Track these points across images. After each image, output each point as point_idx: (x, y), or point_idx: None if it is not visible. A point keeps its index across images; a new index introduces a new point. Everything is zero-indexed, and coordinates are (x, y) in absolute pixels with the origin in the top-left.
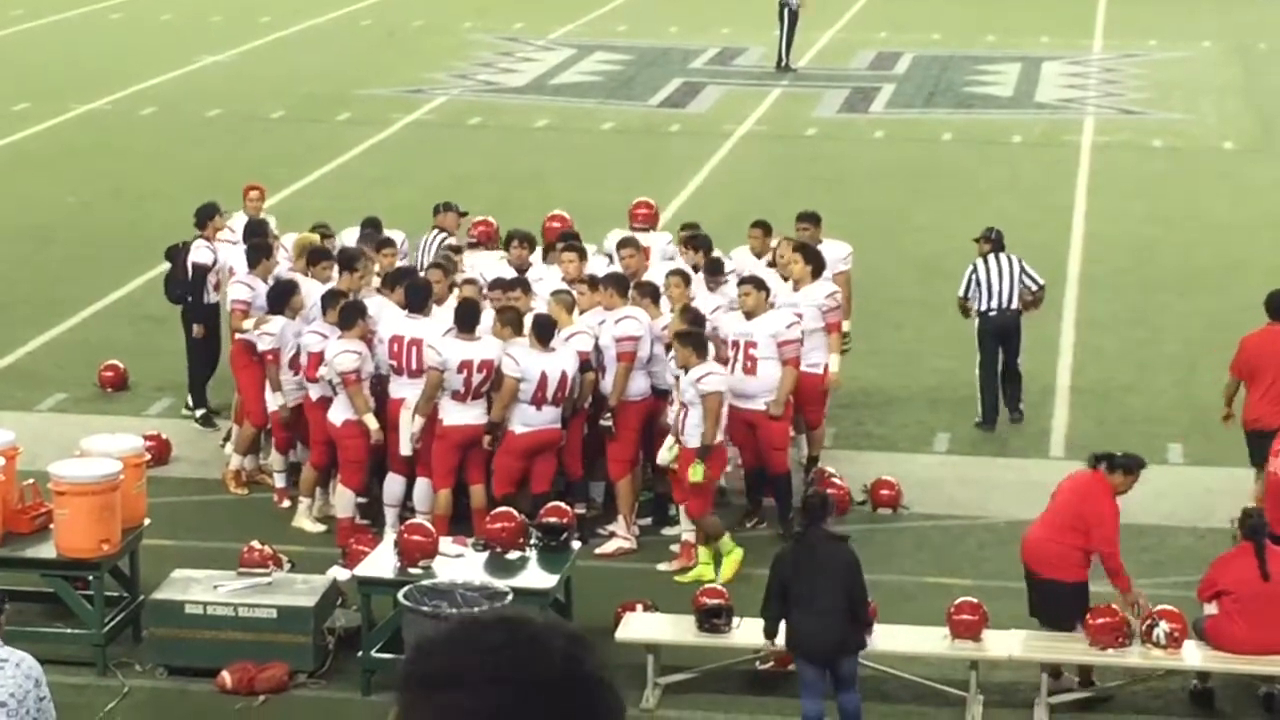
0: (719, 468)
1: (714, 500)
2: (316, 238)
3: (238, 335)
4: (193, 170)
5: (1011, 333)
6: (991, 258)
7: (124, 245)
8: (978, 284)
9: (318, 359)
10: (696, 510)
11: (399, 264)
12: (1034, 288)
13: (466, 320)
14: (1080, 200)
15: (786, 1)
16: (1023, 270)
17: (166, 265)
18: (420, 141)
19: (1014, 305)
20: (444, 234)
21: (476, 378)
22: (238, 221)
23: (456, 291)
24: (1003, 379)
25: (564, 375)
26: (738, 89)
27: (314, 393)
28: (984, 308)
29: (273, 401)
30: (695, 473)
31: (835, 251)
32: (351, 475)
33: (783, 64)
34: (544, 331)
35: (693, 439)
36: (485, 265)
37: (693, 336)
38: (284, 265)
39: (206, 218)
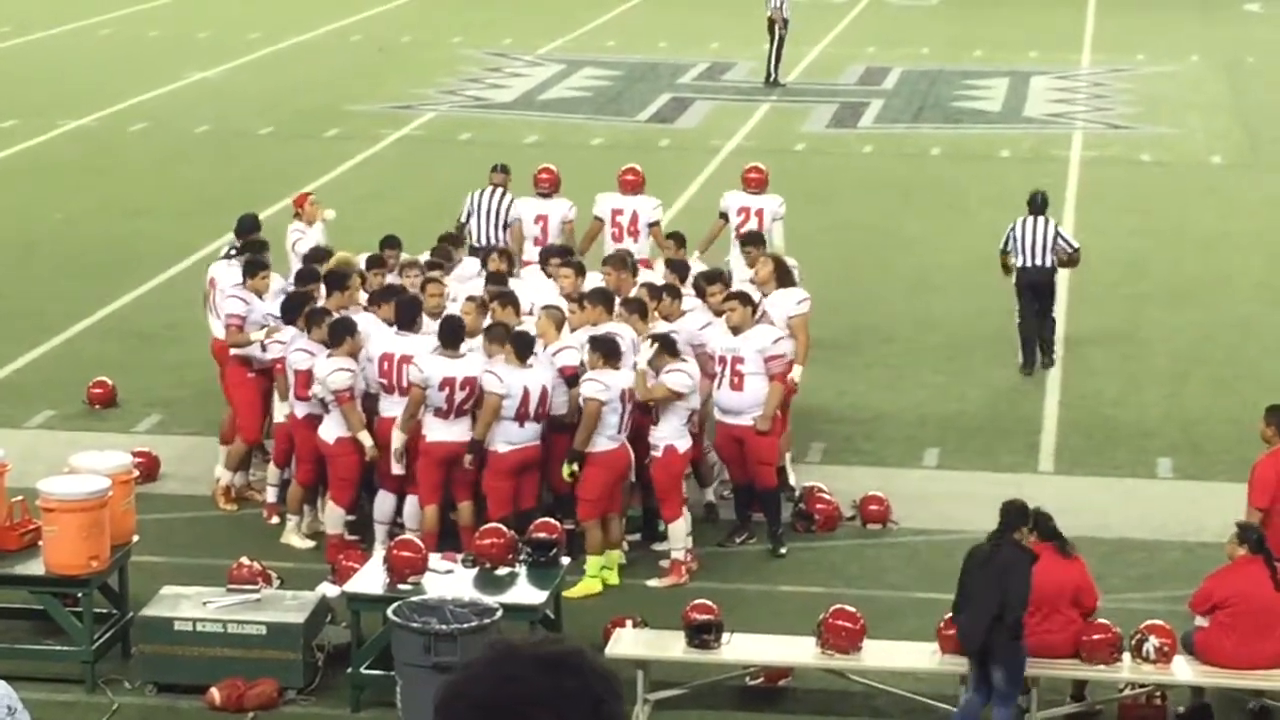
0: (675, 472)
1: (681, 505)
2: (352, 258)
3: (232, 351)
4: (181, 187)
5: (1044, 287)
6: (1030, 219)
7: (112, 262)
8: (1016, 241)
9: (305, 377)
10: (665, 512)
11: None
12: (1069, 250)
13: (451, 337)
14: (1069, 215)
15: (775, 16)
16: (1058, 234)
17: (152, 282)
18: (409, 157)
19: (1047, 263)
20: (502, 190)
21: (459, 395)
22: (297, 228)
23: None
24: (1039, 331)
25: (544, 390)
26: (726, 104)
27: (300, 410)
28: (1021, 264)
29: (279, 412)
30: (566, 471)
31: (792, 297)
32: (341, 492)
33: (771, 79)
34: (523, 347)
35: (664, 437)
36: (533, 287)
37: (665, 339)
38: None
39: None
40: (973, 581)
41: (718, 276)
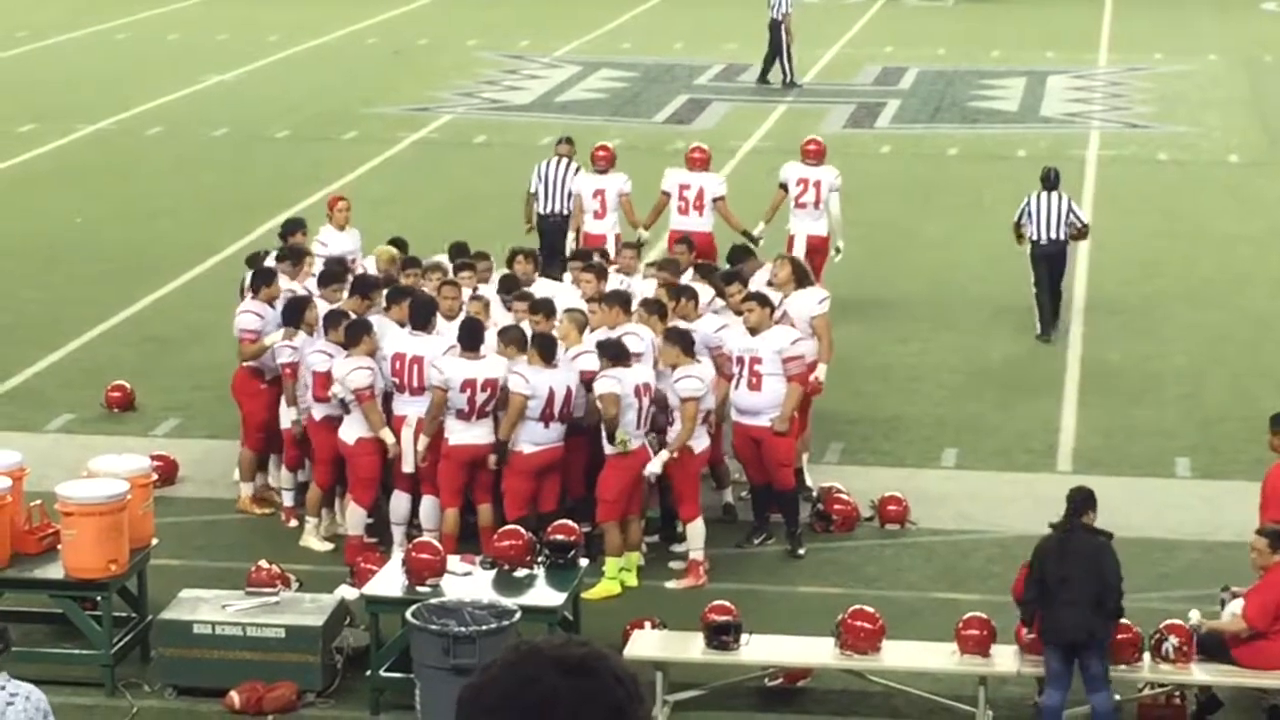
0: (692, 472)
1: (698, 506)
2: (395, 250)
3: (244, 363)
4: (199, 190)
5: (1056, 259)
6: (1044, 194)
7: (131, 265)
8: (1029, 215)
9: (323, 378)
10: (683, 512)
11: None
12: (1079, 224)
13: (470, 339)
14: (1087, 214)
15: (777, 18)
16: (1070, 209)
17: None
18: (426, 160)
19: (1060, 236)
20: (568, 160)
21: (480, 397)
22: (327, 234)
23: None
24: (1050, 299)
25: (569, 391)
26: (743, 105)
27: (318, 412)
28: (1034, 237)
29: (286, 418)
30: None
31: (813, 297)
32: (363, 493)
33: (788, 80)
34: (547, 348)
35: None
36: (550, 288)
37: (680, 335)
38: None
39: (297, 258)
40: (1058, 572)
41: (735, 276)
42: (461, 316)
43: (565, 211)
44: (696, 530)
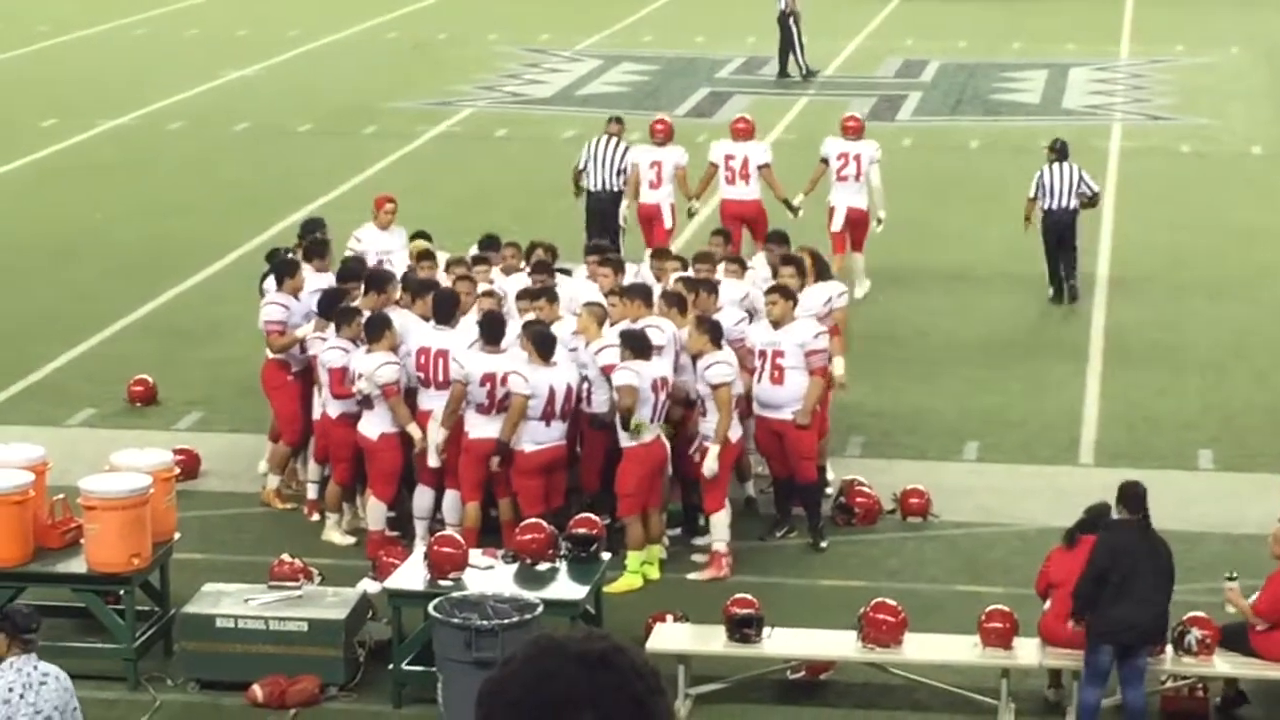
0: (725, 460)
1: (725, 497)
2: (426, 244)
3: (271, 355)
4: (220, 185)
5: (1066, 227)
6: (1056, 165)
7: (152, 260)
8: (1042, 186)
9: (339, 374)
10: (709, 504)
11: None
12: (1089, 193)
13: (492, 333)
14: (1108, 206)
15: (788, 9)
16: (1080, 178)
17: (192, 280)
18: (447, 154)
19: (1071, 205)
20: (617, 139)
21: (500, 391)
22: (366, 232)
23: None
24: (1064, 268)
25: (569, 388)
26: (765, 98)
27: (335, 410)
28: (1047, 206)
29: (319, 408)
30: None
31: (829, 290)
32: (384, 488)
33: (805, 71)
34: (545, 346)
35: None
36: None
37: (710, 324)
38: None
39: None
40: (1132, 568)
41: (793, 260)
42: (474, 311)
43: (614, 188)
44: (721, 521)
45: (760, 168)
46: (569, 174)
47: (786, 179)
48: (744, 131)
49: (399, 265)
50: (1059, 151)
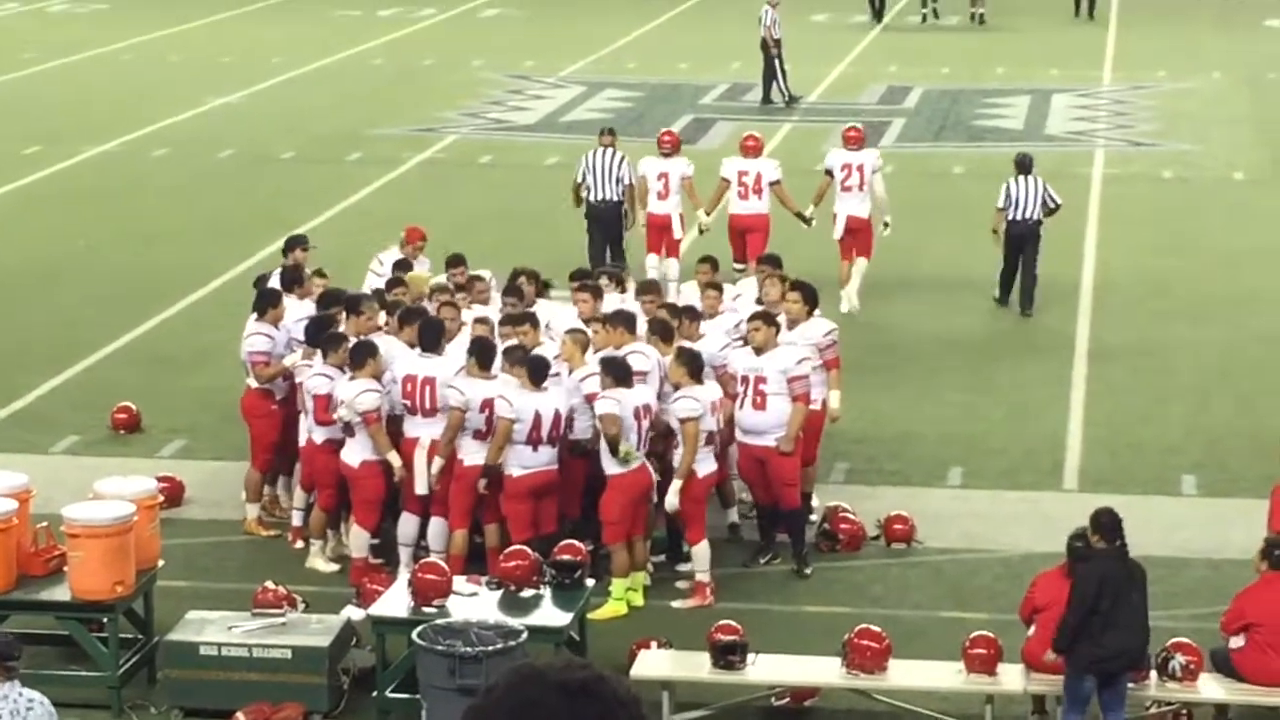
0: (698, 495)
1: (703, 528)
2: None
3: (254, 385)
4: (204, 212)
5: (1030, 238)
6: (1022, 178)
7: (136, 287)
8: (1010, 197)
9: (324, 401)
10: (688, 535)
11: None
12: (1052, 204)
13: (484, 359)
14: (1091, 232)
15: (767, 36)
16: (1045, 190)
17: (176, 308)
18: (431, 180)
19: (1035, 216)
20: (612, 149)
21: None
22: (391, 257)
23: (467, 328)
24: (1021, 280)
25: (557, 414)
26: (749, 125)
27: (319, 436)
28: (1013, 217)
29: (305, 435)
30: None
31: (820, 328)
32: (367, 515)
33: (787, 98)
34: (538, 371)
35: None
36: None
37: (690, 356)
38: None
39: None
40: (1113, 597)
41: (799, 286)
42: (460, 336)
43: (614, 197)
44: (702, 553)
45: (772, 184)
46: (553, 200)
47: (774, 211)
48: (754, 149)
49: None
50: (1023, 165)
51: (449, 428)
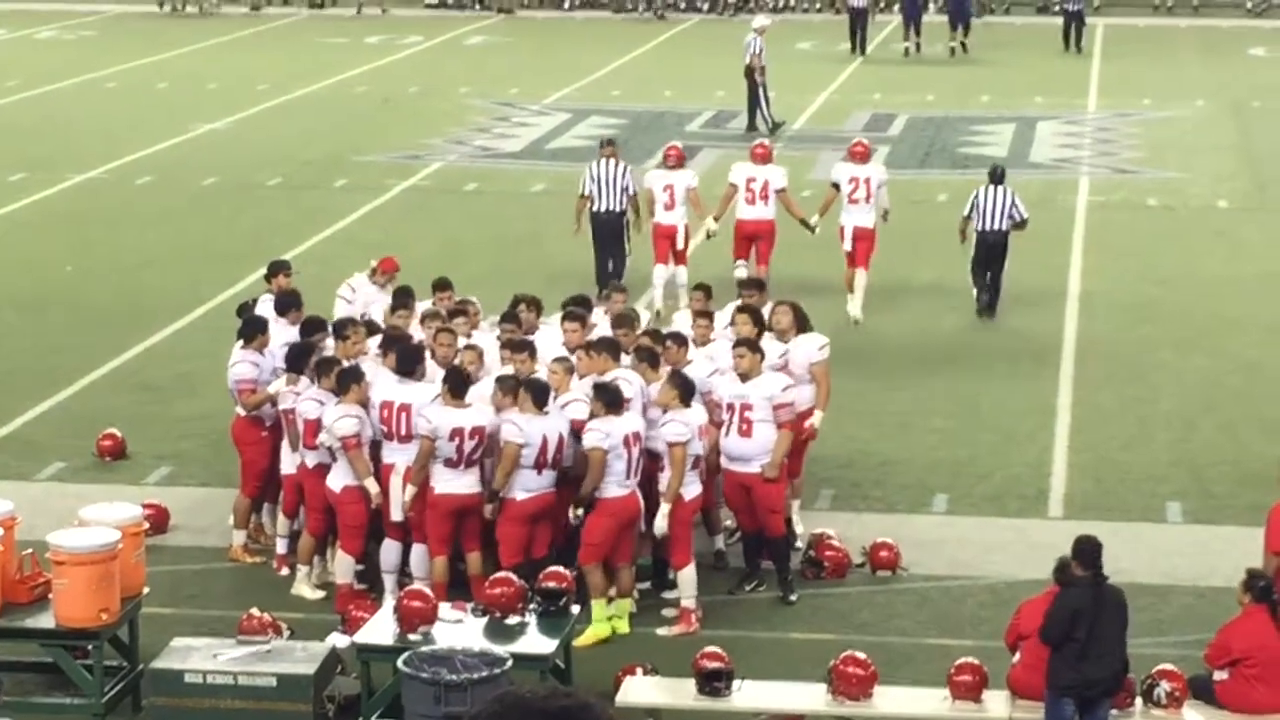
0: (684, 518)
1: (690, 553)
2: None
3: (242, 412)
4: (189, 238)
5: (997, 248)
6: (991, 188)
7: (121, 314)
8: (976, 207)
9: (314, 426)
10: (674, 560)
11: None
12: (1018, 218)
13: (457, 387)
14: (1076, 259)
15: (754, 64)
16: (1013, 203)
17: (161, 334)
18: (416, 207)
19: (1002, 227)
20: (614, 160)
21: (469, 445)
22: (361, 282)
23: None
24: (989, 289)
25: (561, 438)
26: (733, 151)
27: (311, 460)
28: (980, 227)
29: (288, 463)
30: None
31: (813, 343)
32: (351, 541)
33: (770, 125)
34: (539, 395)
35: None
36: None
37: (682, 380)
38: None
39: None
40: (1092, 625)
41: (748, 309)
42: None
43: (619, 208)
44: (688, 578)
45: (778, 191)
46: (538, 226)
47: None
48: (763, 156)
49: (377, 315)
50: (996, 176)
51: (419, 456)
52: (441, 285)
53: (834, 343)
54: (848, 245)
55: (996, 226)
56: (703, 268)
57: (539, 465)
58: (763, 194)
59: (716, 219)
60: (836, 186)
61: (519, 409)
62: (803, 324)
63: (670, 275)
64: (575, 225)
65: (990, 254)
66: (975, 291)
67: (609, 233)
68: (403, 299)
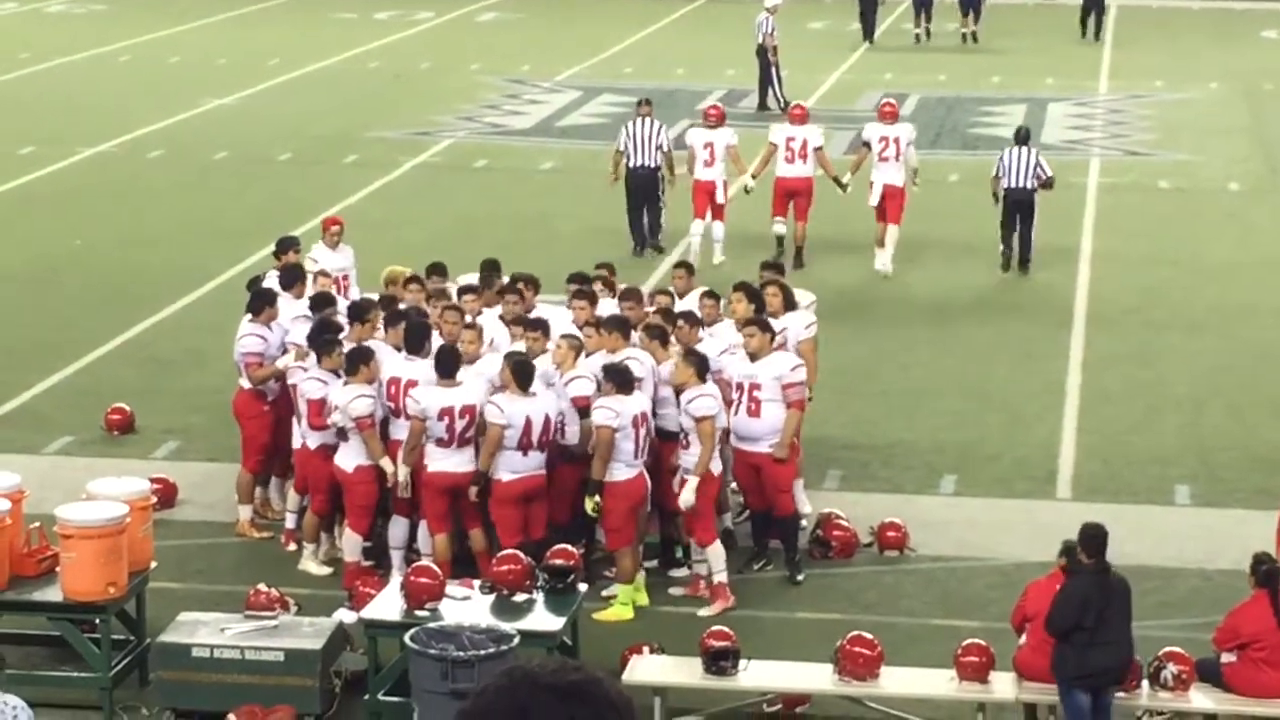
0: (711, 493)
1: (715, 531)
2: (406, 270)
3: (246, 385)
4: (199, 213)
5: (1025, 205)
6: (1016, 149)
7: (130, 288)
8: (1005, 166)
9: (318, 405)
10: (701, 537)
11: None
12: (1044, 176)
13: (446, 366)
14: (1087, 241)
15: (766, 44)
16: (1038, 162)
17: (171, 309)
18: (427, 184)
19: (1028, 185)
20: (650, 118)
21: (459, 424)
22: (320, 251)
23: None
24: (1019, 245)
25: (547, 419)
26: (745, 130)
27: (313, 441)
28: (1008, 184)
29: (300, 438)
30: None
31: (800, 321)
32: (359, 519)
33: (781, 103)
34: (523, 375)
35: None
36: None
37: (698, 357)
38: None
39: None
40: (1099, 612)
41: (773, 284)
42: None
43: (653, 164)
44: (717, 553)
45: (816, 149)
46: (548, 205)
47: (770, 216)
48: (800, 117)
49: (352, 283)
50: (1021, 137)
51: (410, 436)
52: (436, 270)
53: (841, 320)
54: (874, 200)
55: (1023, 184)
56: (739, 223)
57: (523, 447)
58: (801, 152)
59: (755, 175)
60: (867, 145)
61: (506, 389)
62: (790, 303)
63: (707, 228)
64: (611, 175)
65: (1018, 210)
66: (1001, 248)
67: (644, 187)
68: (359, 313)
